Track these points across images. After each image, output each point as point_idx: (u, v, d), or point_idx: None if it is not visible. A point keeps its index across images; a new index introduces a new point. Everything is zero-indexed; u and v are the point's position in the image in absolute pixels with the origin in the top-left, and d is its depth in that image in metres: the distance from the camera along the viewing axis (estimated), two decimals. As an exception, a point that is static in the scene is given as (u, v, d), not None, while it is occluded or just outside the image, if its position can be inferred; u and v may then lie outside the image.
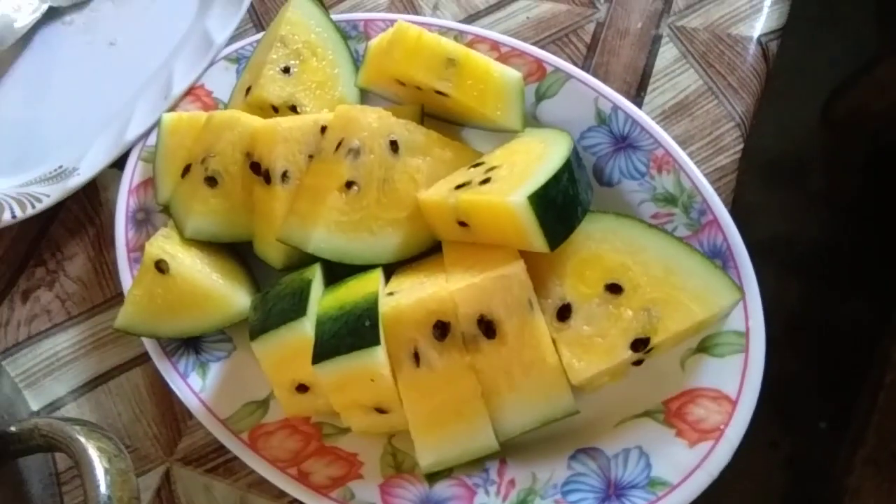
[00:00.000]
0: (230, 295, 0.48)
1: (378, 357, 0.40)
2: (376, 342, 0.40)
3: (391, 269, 0.48)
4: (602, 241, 0.46)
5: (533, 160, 0.47)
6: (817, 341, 1.19)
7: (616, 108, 0.53)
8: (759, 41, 0.60)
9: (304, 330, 0.41)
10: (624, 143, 0.52)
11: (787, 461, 1.06)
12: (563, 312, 0.46)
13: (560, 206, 0.44)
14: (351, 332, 0.40)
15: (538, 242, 0.43)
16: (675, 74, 0.59)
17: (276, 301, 0.43)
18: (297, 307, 0.42)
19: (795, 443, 1.08)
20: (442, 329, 0.43)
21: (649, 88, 0.59)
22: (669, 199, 0.51)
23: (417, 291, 0.44)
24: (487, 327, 0.43)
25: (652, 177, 0.51)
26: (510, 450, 0.45)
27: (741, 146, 0.56)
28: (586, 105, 0.53)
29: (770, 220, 1.29)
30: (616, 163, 0.52)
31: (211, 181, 0.50)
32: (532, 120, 0.55)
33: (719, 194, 0.50)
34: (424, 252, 0.49)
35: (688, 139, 0.56)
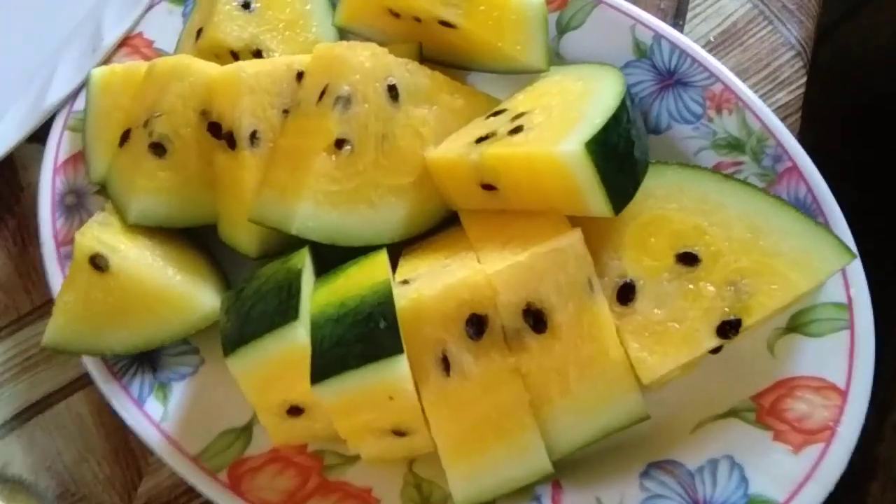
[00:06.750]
0: (192, 294, 0.42)
1: (400, 369, 0.33)
2: (398, 349, 0.33)
3: (396, 252, 0.42)
4: (667, 200, 0.40)
5: (574, 101, 0.39)
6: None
7: (658, 36, 0.47)
8: (813, -47, 0.51)
9: (297, 338, 0.34)
10: (671, 79, 0.46)
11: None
12: (625, 293, 0.39)
13: (622, 154, 0.36)
14: (361, 338, 0.34)
15: (597, 203, 0.35)
16: (719, -3, 0.51)
17: (255, 300, 0.37)
18: (285, 308, 0.35)
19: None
20: (477, 324, 0.36)
21: (689, 16, 0.52)
22: (734, 145, 0.44)
23: (442, 277, 0.37)
24: (536, 318, 0.36)
25: (710, 119, 0.45)
26: (566, 470, 0.39)
27: (804, 79, 0.48)
28: (621, 35, 0.47)
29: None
30: (663, 104, 0.46)
31: (157, 149, 0.43)
32: (555, 57, 0.48)
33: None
34: (434, 228, 0.43)
35: (741, 73, 0.50)
